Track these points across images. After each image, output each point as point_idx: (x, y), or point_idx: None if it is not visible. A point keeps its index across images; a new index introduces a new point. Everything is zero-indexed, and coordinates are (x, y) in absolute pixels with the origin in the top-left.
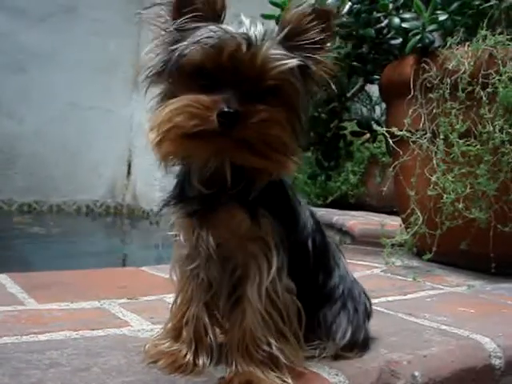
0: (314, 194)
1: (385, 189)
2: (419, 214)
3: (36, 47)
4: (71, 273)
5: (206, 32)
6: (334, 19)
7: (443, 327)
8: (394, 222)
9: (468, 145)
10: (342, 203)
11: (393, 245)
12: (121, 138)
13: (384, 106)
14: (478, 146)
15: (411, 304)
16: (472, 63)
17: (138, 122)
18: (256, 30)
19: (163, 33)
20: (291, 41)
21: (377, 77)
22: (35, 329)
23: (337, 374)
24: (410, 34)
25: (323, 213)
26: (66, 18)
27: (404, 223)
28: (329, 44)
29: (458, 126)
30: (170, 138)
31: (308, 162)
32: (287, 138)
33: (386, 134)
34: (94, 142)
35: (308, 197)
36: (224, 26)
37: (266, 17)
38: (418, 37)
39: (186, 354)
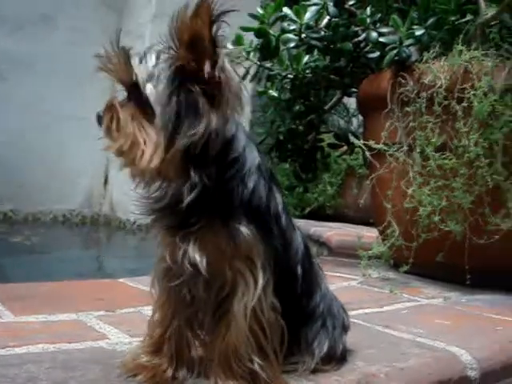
0: (291, 205)
1: (362, 201)
2: (396, 226)
3: (14, 55)
4: (48, 284)
5: None
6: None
7: (419, 339)
8: (370, 234)
9: (444, 158)
10: (320, 214)
11: (370, 257)
12: (98, 148)
13: (361, 117)
14: (454, 160)
15: (388, 316)
16: (448, 77)
17: None
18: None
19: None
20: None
21: (354, 90)
22: (12, 342)
23: None
24: (387, 49)
25: (301, 224)
26: (44, 27)
27: (381, 235)
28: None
29: (434, 140)
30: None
31: (285, 174)
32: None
33: (364, 147)
34: (70, 151)
35: None
36: None
37: (244, 29)
38: (395, 51)
39: (167, 368)
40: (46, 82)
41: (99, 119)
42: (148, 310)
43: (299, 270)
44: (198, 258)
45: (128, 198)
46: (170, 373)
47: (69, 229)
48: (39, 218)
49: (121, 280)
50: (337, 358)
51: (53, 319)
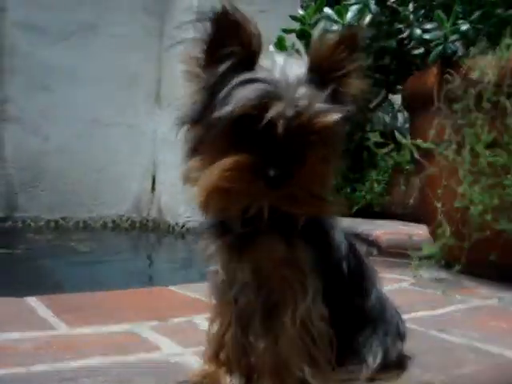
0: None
1: (411, 200)
2: (446, 225)
3: (58, 65)
4: (101, 294)
5: (248, 91)
6: (361, 38)
7: (475, 344)
8: (420, 231)
9: (495, 155)
10: (367, 212)
11: (420, 258)
12: (144, 153)
13: (406, 113)
14: (505, 156)
15: (442, 319)
16: (496, 73)
17: (161, 136)
18: (292, 73)
19: (198, 78)
20: (323, 75)
21: (399, 87)
22: (67, 355)
23: None
24: (432, 45)
25: (348, 223)
26: (86, 35)
27: (431, 235)
28: (358, 65)
29: (483, 137)
30: (215, 199)
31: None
32: (329, 185)
33: (411, 146)
34: (118, 157)
35: None
36: (262, 75)
37: (286, 31)
38: (440, 47)
39: (224, 375)
40: (90, 90)
41: None
42: (199, 319)
43: (344, 267)
44: (247, 270)
45: (176, 201)
46: (226, 380)
47: (118, 234)
48: (89, 225)
49: (171, 288)
50: (393, 365)
51: (106, 330)
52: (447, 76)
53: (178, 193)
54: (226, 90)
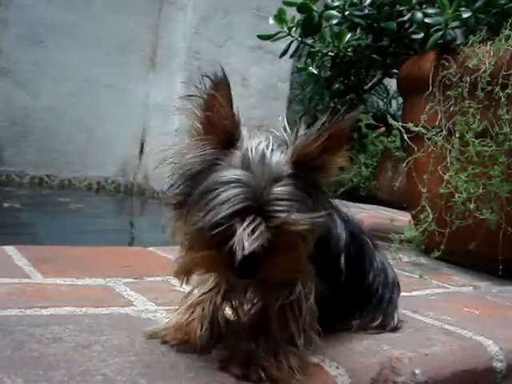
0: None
1: (397, 184)
2: (429, 211)
3: (54, 21)
4: (79, 249)
5: (225, 198)
6: (347, 134)
7: (447, 327)
8: (403, 218)
9: (483, 145)
10: (353, 195)
11: (401, 241)
12: (135, 118)
13: (401, 100)
14: (494, 147)
15: (416, 301)
16: (493, 63)
17: (153, 101)
18: (272, 166)
19: (186, 152)
20: (307, 170)
21: (395, 71)
22: (39, 303)
23: (337, 367)
24: (432, 30)
25: (334, 204)
26: None
27: (414, 219)
28: (342, 159)
29: (474, 126)
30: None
31: None
32: (301, 265)
33: (402, 129)
34: (107, 119)
35: None
36: (241, 177)
37: (287, 3)
38: (440, 33)
39: (197, 331)
40: (84, 50)
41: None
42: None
43: (342, 259)
44: None
45: (162, 168)
46: (197, 332)
47: (103, 196)
48: (74, 184)
49: (151, 249)
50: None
51: (81, 283)
52: (444, 62)
53: (165, 160)
54: (203, 185)
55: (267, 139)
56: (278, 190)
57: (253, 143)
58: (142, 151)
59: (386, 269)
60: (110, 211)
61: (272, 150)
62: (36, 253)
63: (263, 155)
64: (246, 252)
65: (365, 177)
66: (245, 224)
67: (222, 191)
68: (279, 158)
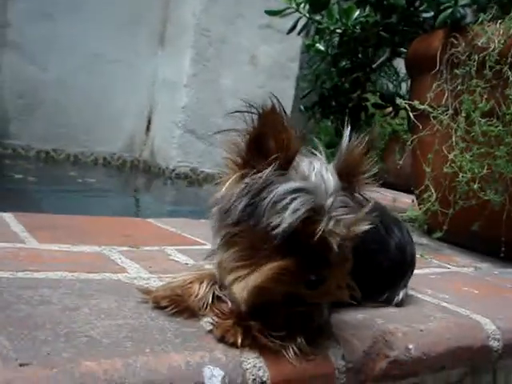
0: None
1: (400, 162)
2: (433, 190)
3: None
4: (77, 217)
5: (295, 205)
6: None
7: (444, 304)
8: (408, 200)
9: (490, 125)
10: None
11: (403, 220)
12: (142, 94)
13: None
14: (500, 127)
15: (415, 279)
16: (502, 41)
17: (161, 78)
18: (329, 182)
19: (235, 175)
20: (349, 181)
21: (404, 50)
22: (31, 266)
23: (329, 338)
24: (442, 7)
25: None
26: None
27: (417, 199)
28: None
29: (481, 105)
30: (257, 295)
31: (327, 131)
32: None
33: (408, 107)
34: (115, 95)
35: None
36: (305, 185)
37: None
38: (449, 10)
39: (193, 295)
40: (93, 24)
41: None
42: (172, 251)
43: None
44: None
45: (168, 145)
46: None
47: (108, 172)
48: (80, 159)
49: (150, 220)
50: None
51: (76, 250)
52: (452, 40)
53: (172, 136)
54: (271, 197)
55: (317, 157)
56: (339, 200)
57: (306, 162)
58: (148, 128)
59: (404, 248)
60: (115, 186)
61: (326, 168)
62: (33, 220)
63: (319, 171)
64: (335, 247)
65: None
66: (325, 223)
67: (296, 197)
68: (332, 173)
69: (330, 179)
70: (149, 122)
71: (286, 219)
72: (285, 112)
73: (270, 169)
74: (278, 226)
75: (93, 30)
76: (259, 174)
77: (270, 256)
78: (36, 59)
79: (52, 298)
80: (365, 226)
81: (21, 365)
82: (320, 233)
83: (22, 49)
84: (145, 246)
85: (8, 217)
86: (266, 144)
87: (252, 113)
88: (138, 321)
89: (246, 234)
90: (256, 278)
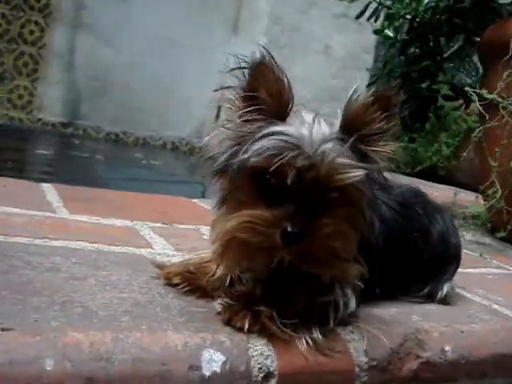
0: (402, 162)
1: (464, 154)
2: (499, 187)
3: None
4: (118, 193)
5: (267, 142)
6: (395, 103)
7: (495, 306)
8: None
9: None
10: (431, 174)
11: (465, 217)
12: (214, 79)
13: None
14: None
15: (467, 278)
16: None
17: (233, 65)
18: (319, 130)
19: (229, 125)
20: (354, 135)
21: (478, 38)
22: (52, 235)
23: (352, 332)
24: None
25: (409, 182)
26: None
27: (482, 195)
28: (391, 130)
29: None
30: (231, 251)
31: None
32: (351, 244)
33: (475, 96)
34: (187, 79)
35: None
36: (286, 129)
37: None
38: None
39: (209, 274)
40: (167, 8)
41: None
42: (206, 230)
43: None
44: None
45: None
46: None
47: (176, 157)
48: (149, 143)
49: (195, 200)
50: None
51: (105, 222)
52: None
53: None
54: (250, 141)
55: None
56: (327, 145)
57: (304, 114)
58: (218, 115)
59: (447, 238)
60: (181, 173)
61: (323, 120)
62: (71, 192)
63: (311, 122)
64: (291, 179)
65: (445, 156)
66: (289, 156)
67: (271, 137)
68: (328, 125)
69: (321, 128)
70: (219, 109)
71: (250, 153)
72: (276, 63)
73: (256, 116)
74: (242, 161)
75: (167, 14)
76: (249, 124)
77: (252, 205)
78: (109, 42)
79: (62, 266)
80: (354, 174)
81: (2, 329)
82: (293, 172)
83: (96, 31)
84: (180, 224)
85: (46, 187)
86: (259, 96)
87: (244, 68)
88: (144, 296)
89: (229, 186)
90: (226, 227)
